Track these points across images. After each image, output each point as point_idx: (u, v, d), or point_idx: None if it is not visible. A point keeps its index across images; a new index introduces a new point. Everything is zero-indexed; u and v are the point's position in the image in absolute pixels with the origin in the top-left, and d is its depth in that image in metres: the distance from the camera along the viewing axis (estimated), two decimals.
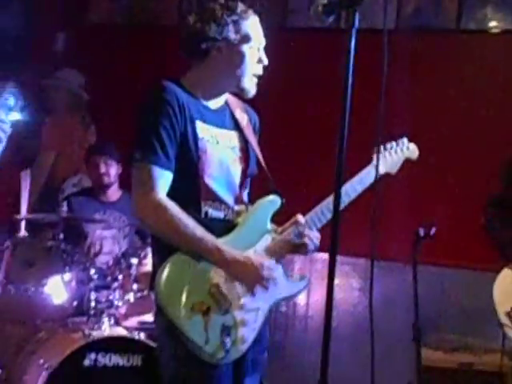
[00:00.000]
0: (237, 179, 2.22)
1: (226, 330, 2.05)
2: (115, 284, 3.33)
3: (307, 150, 3.92)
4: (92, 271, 3.34)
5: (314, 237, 2.16)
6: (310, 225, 2.19)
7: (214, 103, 2.21)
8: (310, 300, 4.06)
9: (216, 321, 2.05)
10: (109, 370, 3.10)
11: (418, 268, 3.30)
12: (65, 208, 3.69)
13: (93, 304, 3.28)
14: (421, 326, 3.26)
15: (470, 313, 3.88)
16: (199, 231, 2.04)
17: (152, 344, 3.11)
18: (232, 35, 2.12)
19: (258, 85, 2.17)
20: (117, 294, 3.32)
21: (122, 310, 3.38)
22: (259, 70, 2.15)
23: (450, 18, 4.15)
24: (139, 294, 3.39)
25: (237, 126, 2.25)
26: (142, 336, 3.23)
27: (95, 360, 3.07)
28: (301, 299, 4.06)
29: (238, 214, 2.19)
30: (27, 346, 3.33)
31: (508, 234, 3.07)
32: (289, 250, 2.16)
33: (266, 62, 2.17)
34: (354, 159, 1.89)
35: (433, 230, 3.32)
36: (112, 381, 3.15)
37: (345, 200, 2.14)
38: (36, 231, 3.84)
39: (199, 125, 2.10)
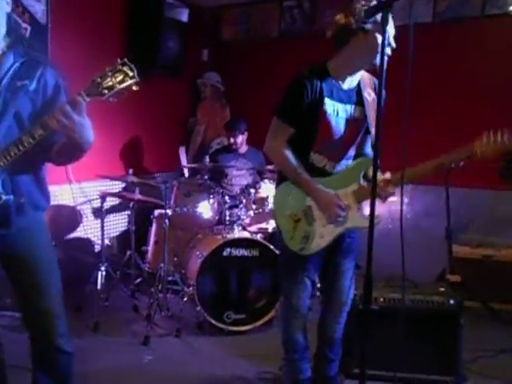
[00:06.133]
0: (345, 141, 2.37)
1: (306, 236, 2.36)
2: (241, 205, 4.06)
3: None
4: (226, 197, 4.09)
5: (390, 191, 2.26)
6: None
7: (348, 83, 2.35)
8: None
9: (301, 228, 2.37)
10: (238, 258, 3.75)
11: (451, 190, 3.87)
12: (207, 160, 4.44)
13: (228, 218, 4.04)
14: (452, 229, 3.89)
15: (491, 220, 4.25)
16: (300, 169, 2.33)
17: (265, 242, 3.75)
18: (368, 25, 2.20)
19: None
20: (242, 211, 4.05)
21: (247, 221, 4.08)
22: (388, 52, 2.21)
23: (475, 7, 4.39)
24: (257, 211, 4.08)
25: (361, 102, 2.37)
26: (259, 237, 3.94)
27: (230, 252, 3.73)
28: None
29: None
30: (190, 243, 4.11)
31: None
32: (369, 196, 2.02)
33: (393, 45, 2.22)
34: None
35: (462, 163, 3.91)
36: (240, 265, 3.75)
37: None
38: (193, 174, 4.69)
39: (327, 100, 2.30)
